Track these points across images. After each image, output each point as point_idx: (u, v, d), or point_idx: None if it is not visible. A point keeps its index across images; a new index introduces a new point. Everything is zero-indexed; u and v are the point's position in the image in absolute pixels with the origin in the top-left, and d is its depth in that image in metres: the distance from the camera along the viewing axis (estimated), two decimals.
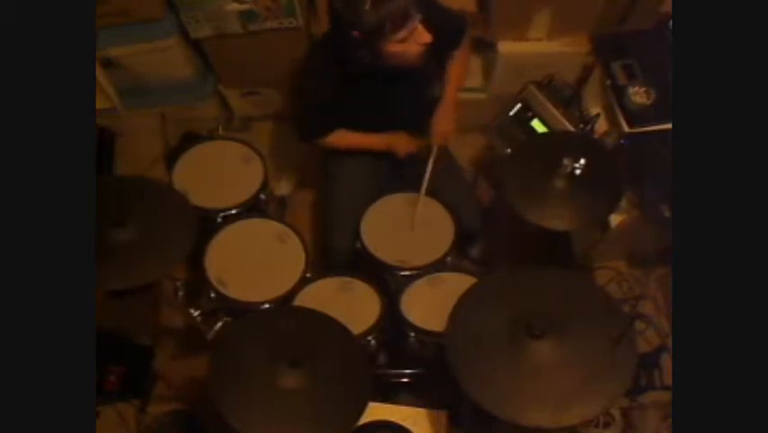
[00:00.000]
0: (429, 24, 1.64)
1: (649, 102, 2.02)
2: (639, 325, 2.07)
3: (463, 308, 1.51)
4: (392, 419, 1.65)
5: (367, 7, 1.54)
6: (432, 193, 1.99)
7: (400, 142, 1.99)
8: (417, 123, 1.99)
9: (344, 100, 1.85)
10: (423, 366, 1.85)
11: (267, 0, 2.17)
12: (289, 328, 1.52)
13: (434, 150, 1.95)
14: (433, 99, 1.97)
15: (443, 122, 1.98)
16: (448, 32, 1.89)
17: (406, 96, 1.91)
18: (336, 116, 1.93)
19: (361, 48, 1.64)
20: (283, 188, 2.49)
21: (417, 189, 1.97)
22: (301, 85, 2.00)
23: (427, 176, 1.95)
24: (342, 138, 2.00)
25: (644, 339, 2.04)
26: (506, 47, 2.29)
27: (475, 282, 1.65)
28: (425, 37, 1.64)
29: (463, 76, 2.09)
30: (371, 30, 1.58)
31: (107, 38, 2.29)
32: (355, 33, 1.60)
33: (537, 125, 2.19)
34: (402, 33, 1.60)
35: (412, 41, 1.64)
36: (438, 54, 1.86)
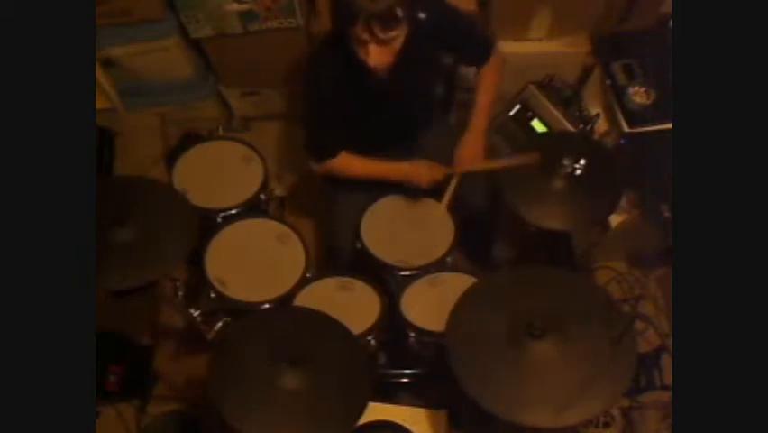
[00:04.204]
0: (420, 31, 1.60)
1: (649, 102, 2.03)
2: (639, 325, 2.06)
3: (463, 307, 1.52)
4: (392, 419, 1.66)
5: None
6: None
7: (421, 173, 1.84)
8: (420, 121, 1.98)
9: (348, 103, 1.80)
10: (423, 366, 1.85)
11: (267, 0, 2.17)
12: (289, 328, 1.53)
13: (457, 177, 1.87)
14: (436, 99, 1.94)
15: (469, 149, 1.87)
16: (454, 35, 1.84)
17: (409, 95, 1.89)
18: (342, 126, 1.84)
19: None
20: (283, 187, 2.49)
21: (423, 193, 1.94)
22: (304, 97, 1.89)
23: (445, 202, 1.88)
24: (355, 165, 1.89)
25: (644, 339, 2.03)
26: (506, 47, 2.28)
27: (475, 282, 1.65)
28: (389, 54, 1.59)
29: (492, 101, 1.93)
30: (368, 14, 1.50)
31: (107, 38, 2.30)
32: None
33: (537, 125, 2.19)
34: (388, 34, 1.54)
35: (386, 50, 1.59)
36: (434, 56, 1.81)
